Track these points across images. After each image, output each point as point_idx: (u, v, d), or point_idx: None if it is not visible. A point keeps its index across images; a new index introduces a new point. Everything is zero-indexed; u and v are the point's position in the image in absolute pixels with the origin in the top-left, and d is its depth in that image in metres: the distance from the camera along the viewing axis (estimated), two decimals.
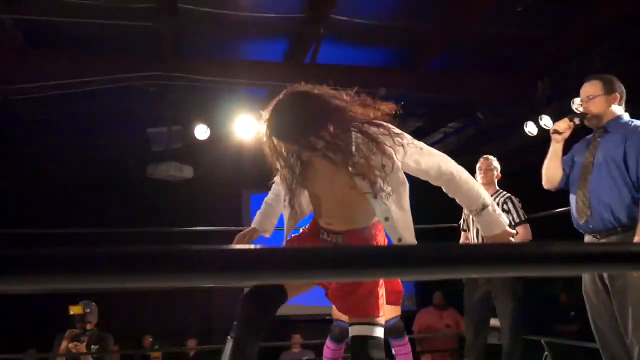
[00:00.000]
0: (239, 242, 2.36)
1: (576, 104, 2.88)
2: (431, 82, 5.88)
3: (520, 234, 3.78)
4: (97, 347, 4.09)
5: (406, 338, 3.84)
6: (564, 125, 2.81)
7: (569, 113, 2.90)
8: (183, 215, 6.91)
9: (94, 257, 0.57)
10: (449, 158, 2.11)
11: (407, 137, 2.03)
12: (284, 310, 7.67)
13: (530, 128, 5.65)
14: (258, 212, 2.41)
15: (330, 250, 0.63)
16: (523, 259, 0.62)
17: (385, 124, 1.97)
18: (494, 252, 0.65)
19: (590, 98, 2.75)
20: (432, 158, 2.06)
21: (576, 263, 0.64)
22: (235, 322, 2.07)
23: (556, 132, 2.83)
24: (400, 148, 1.97)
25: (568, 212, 2.93)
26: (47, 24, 4.82)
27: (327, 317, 3.79)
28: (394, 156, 1.96)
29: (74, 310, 4.02)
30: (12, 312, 4.41)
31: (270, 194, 2.40)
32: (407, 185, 2.07)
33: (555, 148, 2.87)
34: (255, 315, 2.06)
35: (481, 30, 5.14)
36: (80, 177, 7.41)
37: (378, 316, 2.07)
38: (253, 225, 2.38)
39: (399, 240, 2.03)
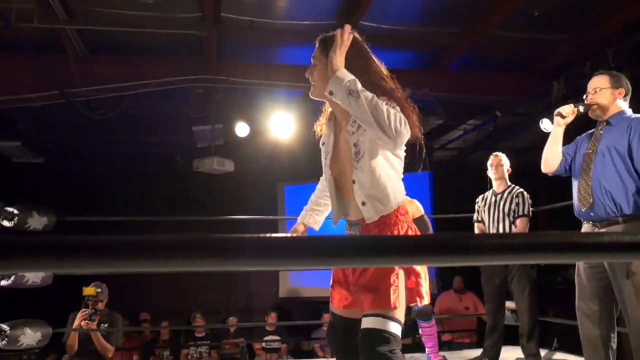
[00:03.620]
0: None
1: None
2: (452, 83, 5.85)
3: (519, 227, 3.80)
4: (106, 325, 4.12)
5: (433, 321, 3.87)
6: (568, 110, 2.67)
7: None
8: (225, 205, 7.03)
9: (154, 244, 0.60)
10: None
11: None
12: (315, 292, 7.71)
13: (546, 125, 5.56)
14: (304, 208, 2.28)
15: (347, 239, 0.65)
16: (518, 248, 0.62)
17: (390, 99, 1.82)
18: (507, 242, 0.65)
19: (597, 90, 2.65)
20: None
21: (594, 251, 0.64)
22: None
23: (560, 115, 2.69)
24: None
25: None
26: (104, 34, 4.95)
27: None
28: None
29: (87, 291, 4.02)
30: (34, 292, 4.41)
31: (315, 190, 2.27)
32: (385, 153, 1.85)
33: (557, 132, 2.73)
34: (340, 350, 1.98)
35: (500, 34, 5.09)
36: (132, 170, 7.58)
37: (392, 308, 1.75)
38: (298, 220, 2.26)
39: (363, 203, 1.83)
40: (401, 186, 1.93)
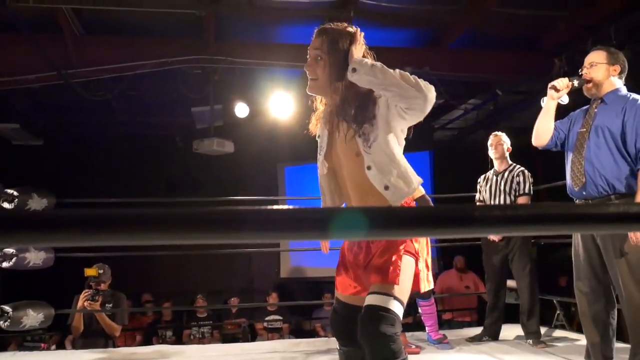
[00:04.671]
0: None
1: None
2: (453, 61, 5.79)
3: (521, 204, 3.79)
4: (110, 305, 4.16)
5: (432, 299, 3.89)
6: (563, 84, 2.64)
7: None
8: (225, 186, 7.03)
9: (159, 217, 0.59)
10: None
11: None
12: (316, 273, 7.73)
13: None
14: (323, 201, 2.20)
15: (353, 211, 0.64)
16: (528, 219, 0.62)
17: None
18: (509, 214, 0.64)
19: (593, 65, 2.62)
20: None
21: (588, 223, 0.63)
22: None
23: (554, 88, 2.67)
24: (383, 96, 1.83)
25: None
26: (101, 13, 4.89)
27: None
28: (378, 101, 1.84)
29: (89, 272, 4.02)
30: (36, 275, 4.36)
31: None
32: (396, 134, 1.86)
33: (549, 105, 2.71)
34: (340, 333, 1.99)
35: (500, 11, 5.03)
36: (132, 152, 7.57)
37: (396, 284, 1.75)
38: None
39: (386, 187, 1.81)
40: None
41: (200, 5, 4.76)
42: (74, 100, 5.77)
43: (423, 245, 1.91)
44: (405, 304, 1.79)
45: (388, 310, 1.71)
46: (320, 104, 2.05)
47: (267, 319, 6.68)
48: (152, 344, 5.82)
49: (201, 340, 6.40)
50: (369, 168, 1.82)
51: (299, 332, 6.99)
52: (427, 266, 1.93)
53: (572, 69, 5.11)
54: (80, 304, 4.02)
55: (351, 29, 1.94)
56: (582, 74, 2.66)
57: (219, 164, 6.96)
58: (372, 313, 1.71)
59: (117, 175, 7.28)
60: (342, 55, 1.86)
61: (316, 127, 2.06)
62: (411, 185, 1.84)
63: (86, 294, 4.00)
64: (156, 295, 7.43)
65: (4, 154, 6.93)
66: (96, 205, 4.75)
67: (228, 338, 6.45)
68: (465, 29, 5.41)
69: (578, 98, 2.79)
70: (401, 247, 1.80)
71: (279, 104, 5.77)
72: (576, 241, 2.72)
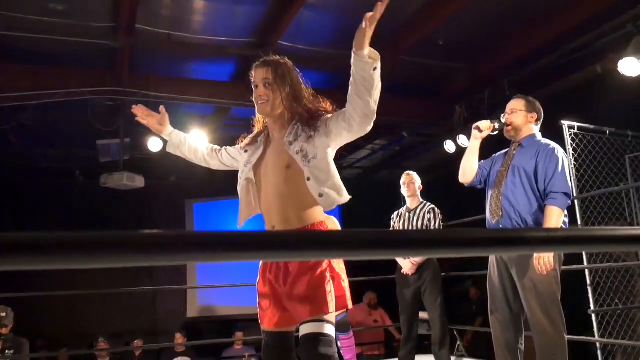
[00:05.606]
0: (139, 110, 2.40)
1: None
2: None
3: None
4: (11, 352, 3.88)
5: (351, 332, 3.95)
6: (486, 125, 2.90)
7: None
8: (131, 222, 6.79)
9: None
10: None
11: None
12: (226, 311, 7.54)
13: (449, 146, 5.94)
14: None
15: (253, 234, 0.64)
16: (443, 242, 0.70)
17: (323, 116, 2.09)
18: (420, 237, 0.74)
19: (513, 111, 2.91)
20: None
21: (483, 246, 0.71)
22: None
23: (477, 128, 2.91)
24: (324, 122, 2.05)
25: (479, 221, 3.03)
26: (5, 38, 4.66)
27: None
28: (319, 128, 2.04)
29: None
30: None
31: (201, 146, 2.42)
32: (331, 153, 2.06)
33: (474, 144, 2.95)
34: None
35: (409, 60, 5.39)
36: (30, 184, 7.12)
37: (327, 313, 1.88)
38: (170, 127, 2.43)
39: (320, 195, 1.96)
40: None
41: (115, 36, 4.68)
42: None
43: (342, 266, 2.03)
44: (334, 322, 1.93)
45: (325, 335, 1.86)
46: (258, 127, 2.20)
47: None
48: None
49: None
50: (308, 179, 1.98)
51: None
52: (348, 285, 2.04)
53: (471, 116, 5.58)
54: None
55: (285, 60, 2.16)
56: (502, 119, 2.94)
57: (127, 199, 6.71)
58: (312, 339, 1.84)
59: (14, 209, 6.80)
60: (287, 82, 2.08)
61: (248, 141, 2.19)
62: (342, 195, 2.02)
63: None
64: (51, 340, 6.92)
65: None
66: None
67: None
68: None
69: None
70: (324, 268, 1.91)
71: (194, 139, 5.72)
72: (491, 270, 2.92)
